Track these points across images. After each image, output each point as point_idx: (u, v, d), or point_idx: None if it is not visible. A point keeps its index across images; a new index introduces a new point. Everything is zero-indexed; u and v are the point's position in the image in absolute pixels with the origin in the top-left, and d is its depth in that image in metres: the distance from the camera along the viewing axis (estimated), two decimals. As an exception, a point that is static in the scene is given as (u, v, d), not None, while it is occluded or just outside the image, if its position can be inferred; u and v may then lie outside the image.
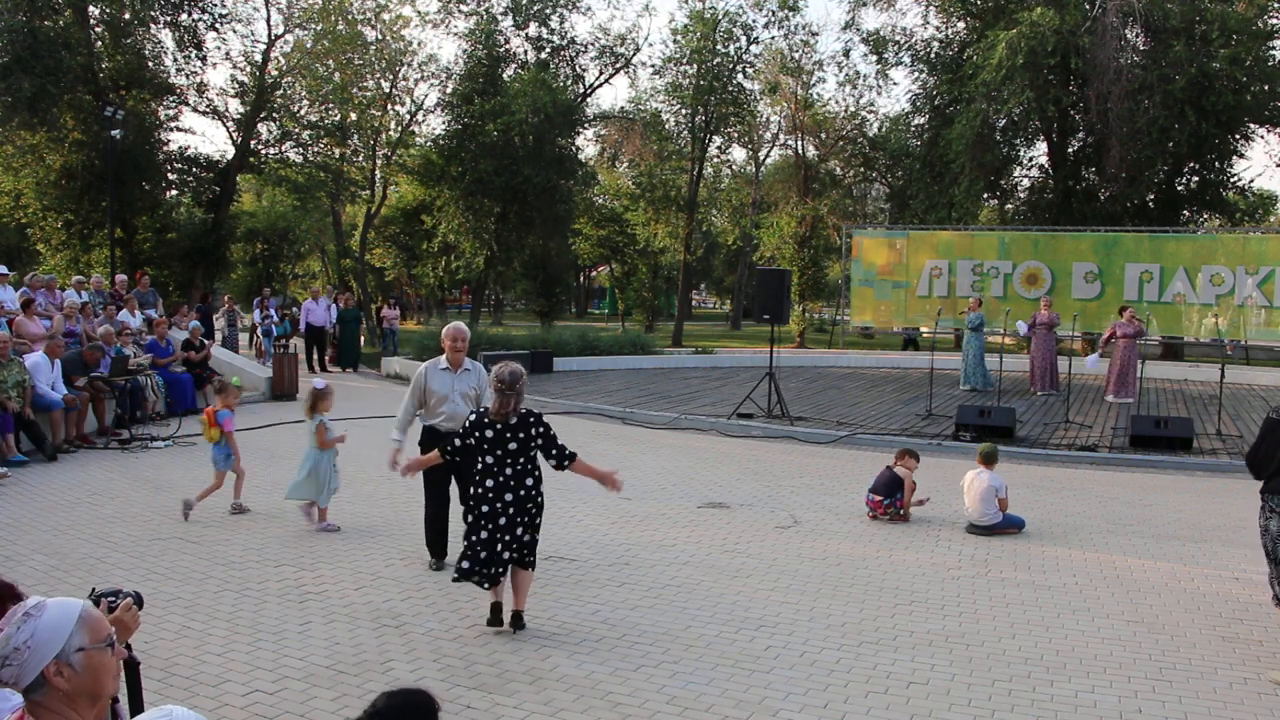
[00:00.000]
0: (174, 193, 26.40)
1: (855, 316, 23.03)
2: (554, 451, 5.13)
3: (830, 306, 35.26)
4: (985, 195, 26.35)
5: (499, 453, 5.08)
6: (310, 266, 42.19)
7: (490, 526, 5.07)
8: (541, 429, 5.14)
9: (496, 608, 5.26)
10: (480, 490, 5.10)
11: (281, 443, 11.14)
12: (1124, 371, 15.34)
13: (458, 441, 5.24)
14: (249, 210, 34.80)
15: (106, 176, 20.57)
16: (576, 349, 20.67)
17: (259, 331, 20.72)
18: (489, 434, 5.09)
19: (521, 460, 5.12)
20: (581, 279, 55.68)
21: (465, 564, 5.10)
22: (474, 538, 5.09)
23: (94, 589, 2.63)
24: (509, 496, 5.07)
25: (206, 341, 14.75)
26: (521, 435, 5.09)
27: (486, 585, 5.15)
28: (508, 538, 5.09)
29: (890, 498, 7.93)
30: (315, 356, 19.52)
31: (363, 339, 21.66)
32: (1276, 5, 23.11)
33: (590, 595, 5.86)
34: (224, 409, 7.73)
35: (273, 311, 20.69)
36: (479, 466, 5.11)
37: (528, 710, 4.30)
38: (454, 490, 6.39)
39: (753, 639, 5.22)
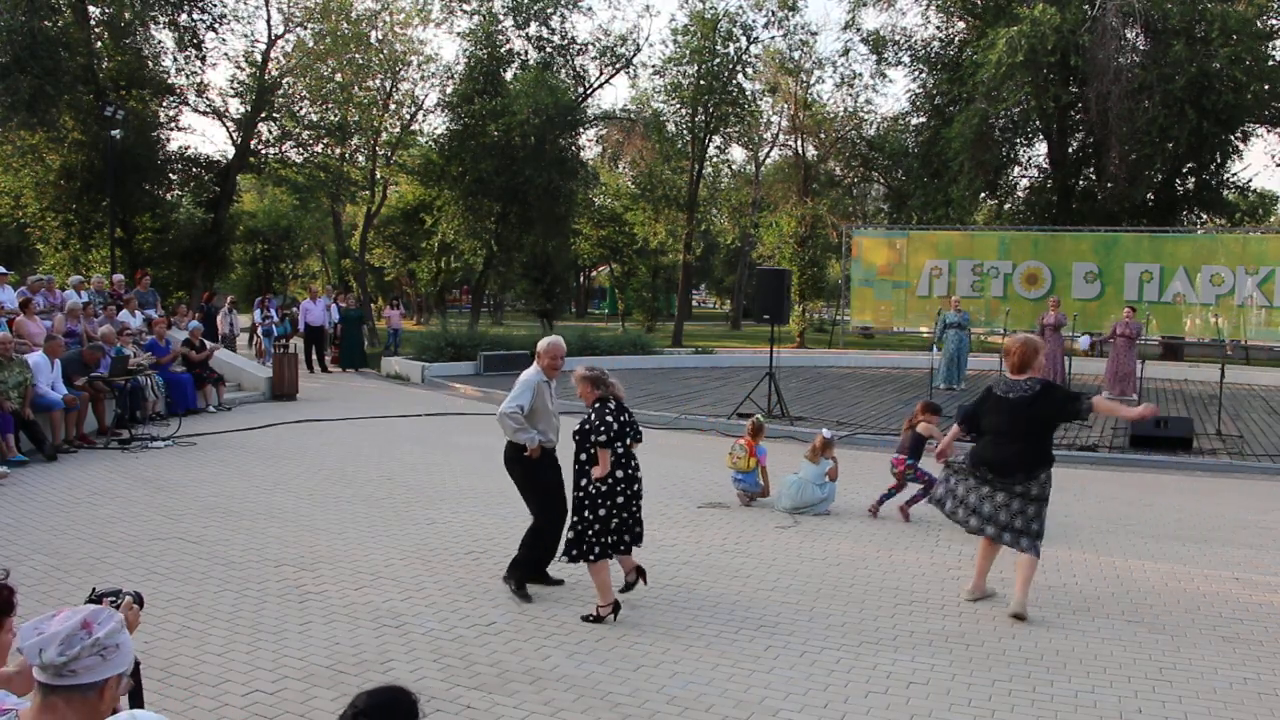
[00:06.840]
0: (174, 193, 26.36)
1: (855, 316, 23.06)
2: (638, 429, 5.66)
3: (830, 306, 35.27)
4: (984, 194, 26.37)
5: (628, 440, 5.52)
6: (310, 266, 42.17)
7: (634, 504, 5.52)
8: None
9: (617, 605, 5.49)
10: (625, 473, 5.42)
11: (282, 442, 11.13)
12: (1119, 370, 15.39)
13: (610, 421, 5.45)
14: (249, 210, 34.76)
15: (106, 176, 20.54)
16: (576, 349, 20.60)
17: (259, 331, 20.71)
18: (624, 417, 5.49)
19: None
20: (581, 279, 55.63)
21: (614, 538, 5.43)
22: (620, 518, 5.41)
23: (94, 589, 2.64)
24: (641, 475, 5.56)
25: (209, 343, 14.72)
26: (634, 420, 5.62)
27: (627, 550, 5.58)
28: (639, 509, 5.59)
29: (915, 458, 7.91)
30: (314, 356, 19.51)
31: (365, 340, 21.62)
32: (1276, 5, 23.11)
33: (590, 595, 5.84)
34: (761, 445, 8.47)
35: (273, 311, 20.68)
36: (619, 451, 5.40)
37: (528, 710, 4.30)
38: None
39: (753, 639, 5.22)
